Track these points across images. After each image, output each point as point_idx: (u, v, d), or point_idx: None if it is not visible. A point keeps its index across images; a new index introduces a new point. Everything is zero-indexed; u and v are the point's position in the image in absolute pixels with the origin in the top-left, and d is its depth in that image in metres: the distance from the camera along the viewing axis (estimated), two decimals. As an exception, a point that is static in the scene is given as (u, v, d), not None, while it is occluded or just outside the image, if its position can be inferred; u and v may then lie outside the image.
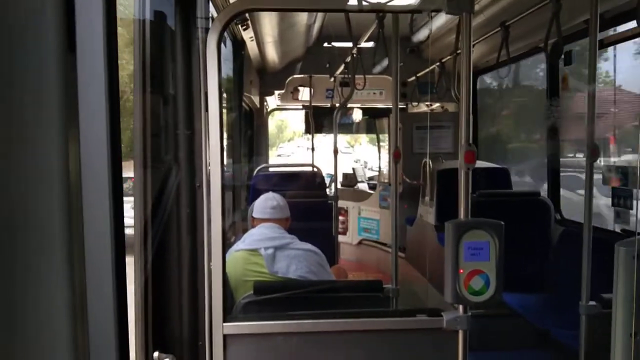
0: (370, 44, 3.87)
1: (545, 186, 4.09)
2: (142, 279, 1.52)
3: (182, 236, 1.62)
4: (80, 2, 0.66)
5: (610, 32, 3.38)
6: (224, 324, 1.64)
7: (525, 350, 3.01)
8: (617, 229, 3.20)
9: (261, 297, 2.12)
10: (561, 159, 4.12)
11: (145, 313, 1.49)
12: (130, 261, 1.53)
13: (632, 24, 3.04)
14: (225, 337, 1.65)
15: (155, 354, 1.47)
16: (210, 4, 2.71)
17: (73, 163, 0.67)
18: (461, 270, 1.55)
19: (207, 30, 1.66)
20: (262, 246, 2.56)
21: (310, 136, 6.34)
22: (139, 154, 1.53)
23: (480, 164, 4.55)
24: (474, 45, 4.15)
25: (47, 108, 0.63)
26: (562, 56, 3.85)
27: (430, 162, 4.62)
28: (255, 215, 2.82)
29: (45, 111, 0.63)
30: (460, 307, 1.64)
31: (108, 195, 0.72)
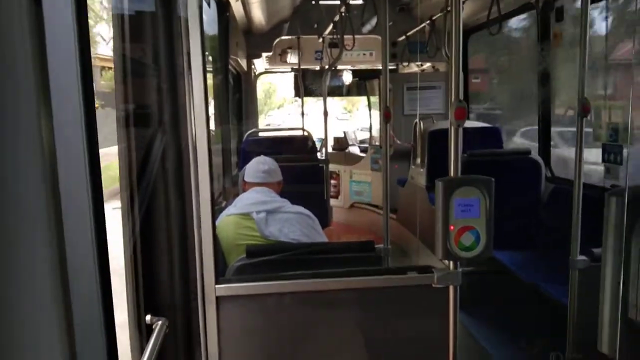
0: (359, 2, 3.78)
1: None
2: (131, 243, 1.51)
3: (171, 199, 1.60)
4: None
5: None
6: (217, 285, 1.65)
7: (515, 306, 3.07)
8: (607, 185, 3.22)
9: (254, 259, 2.13)
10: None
11: (136, 277, 1.49)
12: (119, 226, 1.52)
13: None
14: (217, 298, 1.65)
15: (147, 317, 1.47)
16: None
17: (45, 128, 0.64)
18: (452, 227, 1.55)
19: None
20: (254, 210, 2.55)
21: (300, 101, 6.28)
22: (121, 118, 1.49)
23: (470, 123, 4.54)
24: (464, 2, 4.07)
25: (12, 67, 0.59)
26: (554, 12, 3.80)
27: (422, 123, 4.60)
28: (247, 179, 2.80)
29: (12, 74, 0.60)
30: (451, 263, 1.65)
31: (83, 159, 0.70)
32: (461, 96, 1.64)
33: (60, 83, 0.66)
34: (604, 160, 3.20)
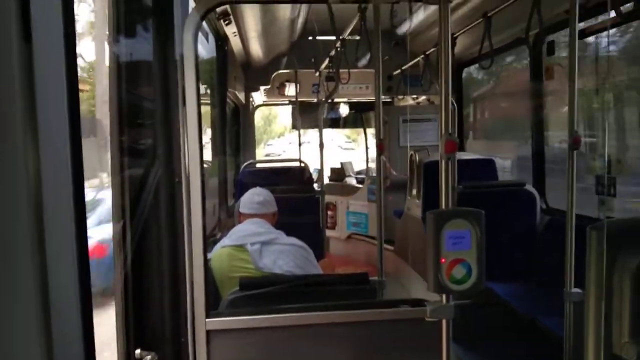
0: (355, 37, 3.86)
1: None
2: (122, 276, 1.51)
3: (162, 233, 1.60)
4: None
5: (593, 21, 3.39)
6: (207, 319, 1.63)
7: (511, 339, 3.04)
8: (602, 217, 3.23)
9: (247, 292, 2.12)
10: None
11: (126, 310, 1.48)
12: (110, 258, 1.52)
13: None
14: (208, 332, 1.64)
15: (137, 351, 1.46)
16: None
17: (32, 161, 0.65)
18: (443, 260, 1.55)
19: (183, 23, 1.64)
20: (248, 242, 2.55)
21: (303, 130, 6.34)
22: (115, 150, 1.51)
23: (465, 155, 4.58)
24: (457, 37, 4.16)
25: (3, 104, 0.61)
26: (545, 46, 3.88)
27: (417, 155, 4.63)
28: (242, 210, 2.81)
29: (1, 107, 0.61)
30: (444, 296, 1.64)
31: (69, 192, 0.71)
32: (451, 129, 1.67)
33: (49, 119, 0.67)
34: (597, 193, 3.22)
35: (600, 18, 3.28)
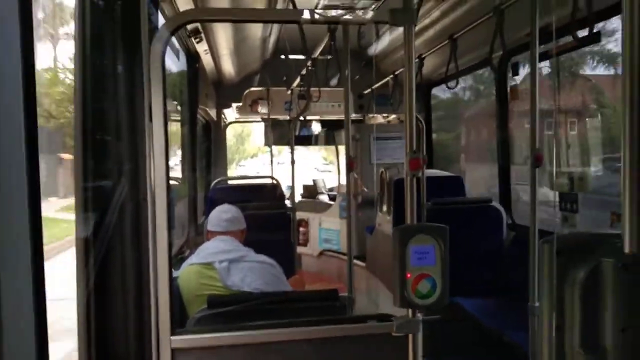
0: (327, 57, 3.92)
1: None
2: (84, 294, 1.48)
3: (127, 250, 1.58)
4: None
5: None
6: (172, 337, 1.61)
7: (479, 354, 3.07)
8: (565, 232, 3.32)
9: (215, 310, 2.09)
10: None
11: (88, 328, 1.45)
12: (72, 276, 1.49)
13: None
14: (173, 351, 1.61)
15: (99, 370, 1.43)
16: (161, 16, 2.70)
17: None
18: (409, 275, 1.57)
19: (151, 39, 1.64)
20: (216, 259, 2.53)
21: (278, 151, 6.35)
22: (79, 167, 1.49)
23: (434, 172, 4.66)
24: (424, 58, 4.26)
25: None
26: (510, 67, 4.00)
27: (387, 172, 4.69)
28: (209, 228, 2.79)
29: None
30: (410, 311, 1.66)
31: (25, 200, 0.70)
32: (416, 147, 1.70)
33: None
34: (561, 209, 3.32)
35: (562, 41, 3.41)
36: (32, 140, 0.71)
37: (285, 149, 6.80)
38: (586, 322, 0.83)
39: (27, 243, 0.73)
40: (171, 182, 1.74)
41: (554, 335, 0.80)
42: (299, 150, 6.73)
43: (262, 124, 6.67)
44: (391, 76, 4.97)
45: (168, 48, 1.64)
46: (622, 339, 0.80)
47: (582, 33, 2.62)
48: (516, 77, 4.00)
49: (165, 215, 1.57)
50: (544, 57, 3.30)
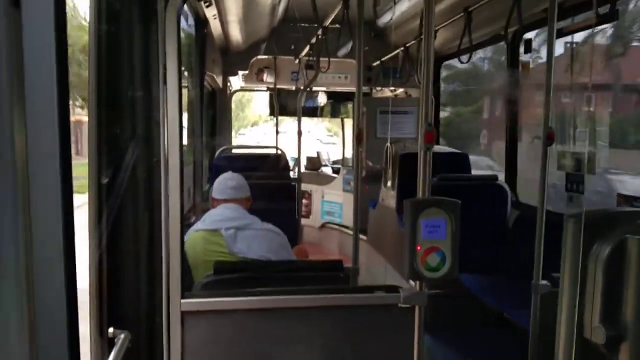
0: (336, 25, 3.85)
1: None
2: (96, 255, 1.48)
3: (139, 212, 1.58)
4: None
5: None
6: (182, 300, 1.63)
7: (480, 330, 3.11)
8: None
9: (221, 276, 2.11)
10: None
11: (100, 289, 1.46)
12: (86, 238, 1.49)
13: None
14: (183, 313, 1.63)
15: (110, 329, 1.44)
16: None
17: (18, 133, 0.64)
18: (418, 248, 1.58)
19: (166, 2, 1.61)
20: (222, 226, 2.53)
21: (276, 120, 6.31)
22: (93, 129, 1.48)
23: (441, 148, 4.64)
24: (437, 31, 4.19)
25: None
26: (523, 43, 3.95)
27: (393, 147, 4.67)
28: (215, 195, 2.79)
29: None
30: (417, 284, 1.68)
31: (56, 168, 0.69)
32: (430, 120, 1.69)
33: (37, 88, 0.66)
34: (567, 190, 3.31)
35: (577, 18, 3.35)
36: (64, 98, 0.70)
37: (286, 119, 6.74)
38: (607, 298, 0.83)
39: (58, 204, 0.72)
40: None
41: (576, 310, 0.81)
42: (294, 120, 6.65)
43: (267, 92, 6.62)
44: (401, 48, 4.90)
45: None
46: (642, 315, 0.81)
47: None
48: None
49: (178, 178, 1.56)
50: (560, 34, 3.25)
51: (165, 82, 1.57)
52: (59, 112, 0.69)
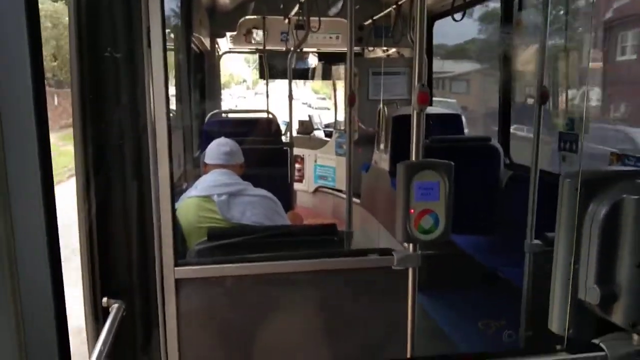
0: None
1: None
2: (86, 224, 1.47)
3: (128, 179, 1.56)
4: None
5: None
6: (176, 268, 1.62)
7: (473, 289, 3.16)
8: (563, 173, 3.32)
9: (215, 242, 2.10)
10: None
11: (92, 259, 1.45)
12: (74, 207, 1.47)
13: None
14: (177, 281, 1.63)
15: (104, 299, 1.44)
16: None
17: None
18: (412, 210, 1.57)
19: None
20: (215, 192, 2.52)
21: (253, 82, 6.20)
22: (76, 94, 1.44)
23: (433, 110, 4.60)
24: (430, -13, 4.09)
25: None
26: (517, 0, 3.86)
27: (386, 109, 4.62)
28: (207, 161, 2.76)
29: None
30: (410, 246, 1.67)
31: (32, 135, 0.66)
32: (424, 81, 1.65)
33: (9, 58, 0.62)
34: (560, 149, 3.31)
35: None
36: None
37: (261, 81, 6.57)
38: (602, 258, 0.82)
39: (37, 176, 0.69)
40: None
41: (571, 271, 0.80)
42: (282, 83, 6.50)
43: (255, 53, 6.48)
44: (393, 6, 4.79)
45: None
46: (637, 274, 0.80)
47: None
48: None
49: (166, 145, 1.53)
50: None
51: (149, 45, 1.51)
52: (34, 89, 0.66)
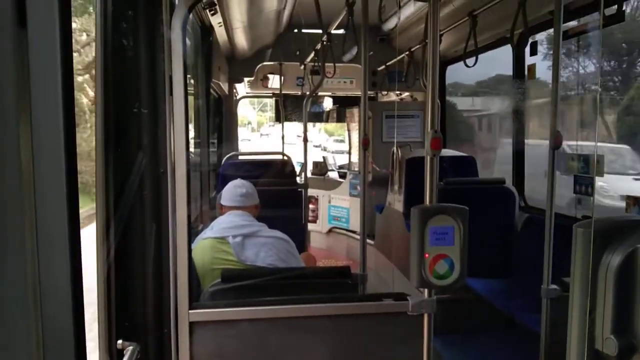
0: (341, 32, 3.86)
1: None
2: (105, 267, 1.49)
3: (146, 223, 1.59)
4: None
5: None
6: (190, 311, 1.63)
7: (490, 334, 3.09)
8: (579, 216, 3.29)
9: (229, 284, 2.11)
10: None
11: (108, 301, 1.46)
12: (93, 249, 1.50)
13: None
14: (191, 324, 1.63)
15: (119, 341, 1.44)
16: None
17: (25, 148, 0.64)
18: (426, 255, 1.57)
19: (172, 12, 1.62)
20: (230, 234, 2.54)
21: (258, 124, 6.31)
22: (100, 140, 1.49)
23: (447, 152, 4.63)
24: (442, 35, 4.19)
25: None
26: (528, 46, 3.93)
27: (399, 151, 4.66)
28: (223, 202, 2.79)
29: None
30: (426, 291, 1.66)
31: (62, 181, 0.69)
32: (437, 126, 1.68)
33: (43, 109, 0.66)
34: (575, 192, 3.29)
35: (583, 20, 3.33)
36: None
37: (266, 123, 6.70)
38: (619, 308, 0.82)
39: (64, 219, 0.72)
40: None
41: (587, 319, 0.80)
42: (296, 126, 6.57)
43: (271, 97, 6.63)
44: (406, 53, 4.90)
45: None
46: (655, 326, 0.79)
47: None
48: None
49: (184, 188, 1.57)
50: (566, 36, 3.23)
51: (171, 93, 1.57)
52: (64, 130, 0.70)
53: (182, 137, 1.57)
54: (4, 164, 0.63)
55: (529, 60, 3.99)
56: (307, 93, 5.15)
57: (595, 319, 0.83)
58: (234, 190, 2.78)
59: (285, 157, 5.08)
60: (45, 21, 0.65)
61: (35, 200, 0.68)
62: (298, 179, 4.94)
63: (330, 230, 6.40)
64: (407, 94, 6.11)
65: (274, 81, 5.94)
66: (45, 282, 0.71)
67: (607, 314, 0.82)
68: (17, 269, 0.70)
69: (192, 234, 2.99)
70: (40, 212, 0.69)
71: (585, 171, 3.29)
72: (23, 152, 0.63)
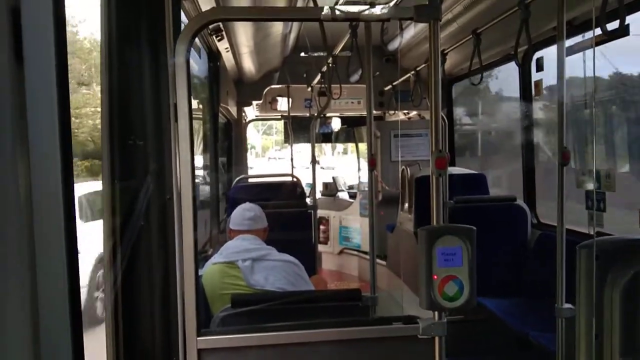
0: (347, 53, 3.90)
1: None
2: (112, 293, 1.49)
3: (153, 250, 1.59)
4: (27, 6, 0.64)
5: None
6: (198, 338, 1.62)
7: (504, 355, 3.03)
8: (591, 232, 3.25)
9: (239, 309, 2.10)
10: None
11: (116, 329, 1.46)
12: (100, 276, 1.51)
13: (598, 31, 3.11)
14: (199, 351, 1.62)
15: (127, 371, 1.44)
16: (183, 14, 2.71)
17: (23, 180, 0.65)
18: (435, 277, 1.55)
19: (176, 38, 1.65)
20: (239, 258, 2.53)
21: (262, 148, 6.36)
22: (106, 167, 1.51)
23: (457, 170, 4.61)
24: (447, 54, 4.21)
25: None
26: (534, 63, 3.93)
27: (408, 170, 4.65)
28: (232, 227, 2.80)
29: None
30: (436, 313, 1.64)
31: (60, 212, 0.70)
32: (442, 145, 1.67)
33: (40, 141, 0.67)
34: (587, 208, 3.24)
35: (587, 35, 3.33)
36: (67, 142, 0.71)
37: (271, 147, 6.78)
38: (626, 329, 0.80)
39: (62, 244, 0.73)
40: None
41: (594, 341, 0.78)
42: (301, 146, 6.60)
43: (280, 120, 6.68)
44: (412, 72, 4.93)
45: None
46: (665, 347, 0.78)
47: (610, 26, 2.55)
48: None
49: (191, 214, 1.57)
50: (570, 52, 3.23)
51: (176, 120, 1.59)
52: (62, 162, 0.71)
53: (187, 164, 1.58)
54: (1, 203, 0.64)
55: (535, 76, 4.00)
56: (315, 114, 5.19)
57: (603, 341, 0.81)
58: (242, 214, 2.79)
59: (295, 179, 5.09)
60: (42, 55, 0.67)
61: (33, 240, 0.69)
62: (308, 200, 4.95)
63: (341, 251, 6.37)
64: (414, 112, 6.13)
65: (282, 103, 5.99)
66: (43, 286, 0.71)
67: (614, 334, 0.80)
68: (15, 274, 0.71)
69: (203, 258, 3.00)
70: (38, 244, 0.69)
71: (597, 187, 3.25)
72: (22, 190, 0.64)
